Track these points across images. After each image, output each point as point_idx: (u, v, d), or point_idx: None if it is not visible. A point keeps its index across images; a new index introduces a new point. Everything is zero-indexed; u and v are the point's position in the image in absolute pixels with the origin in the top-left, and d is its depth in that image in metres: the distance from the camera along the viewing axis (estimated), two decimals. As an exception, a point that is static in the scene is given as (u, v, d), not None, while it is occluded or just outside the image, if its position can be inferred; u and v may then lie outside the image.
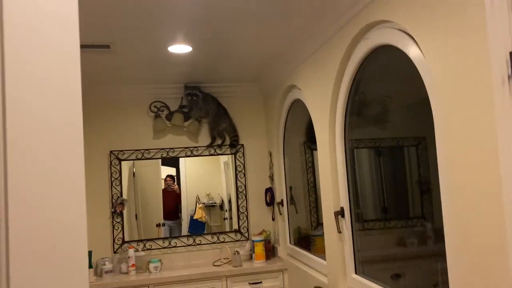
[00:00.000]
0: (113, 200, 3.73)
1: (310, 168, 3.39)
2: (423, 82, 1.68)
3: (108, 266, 3.48)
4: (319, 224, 3.17)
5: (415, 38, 1.67)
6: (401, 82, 2.18)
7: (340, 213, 2.46)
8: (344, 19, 2.20)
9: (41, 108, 0.51)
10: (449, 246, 1.55)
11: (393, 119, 2.41)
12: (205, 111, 3.86)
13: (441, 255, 1.60)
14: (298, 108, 3.26)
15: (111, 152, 3.76)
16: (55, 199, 0.51)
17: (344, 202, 2.46)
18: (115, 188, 3.75)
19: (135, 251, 3.57)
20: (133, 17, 2.27)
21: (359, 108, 2.42)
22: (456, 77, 1.42)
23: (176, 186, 3.96)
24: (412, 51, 1.73)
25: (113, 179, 3.75)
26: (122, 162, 3.79)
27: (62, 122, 0.54)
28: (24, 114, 0.48)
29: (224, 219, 4.08)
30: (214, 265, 3.65)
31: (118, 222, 3.74)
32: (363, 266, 2.40)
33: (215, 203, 4.05)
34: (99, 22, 2.31)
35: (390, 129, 2.43)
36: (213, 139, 3.93)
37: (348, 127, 2.45)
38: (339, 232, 2.48)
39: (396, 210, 2.45)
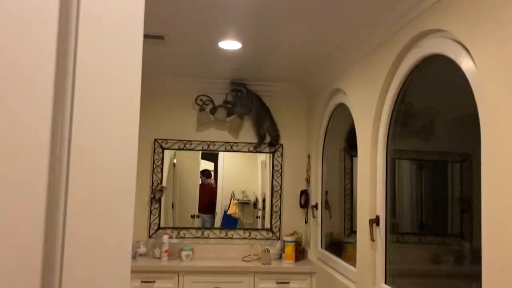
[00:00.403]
0: (153, 187, 3.86)
1: (348, 175, 3.36)
2: (474, 96, 1.64)
3: (142, 249, 3.61)
4: (352, 232, 3.13)
5: (468, 49, 1.62)
6: (450, 95, 2.12)
7: (375, 221, 2.43)
8: (397, 26, 2.17)
9: (104, 92, 0.55)
10: (485, 268, 1.50)
11: (438, 132, 2.35)
12: (248, 108, 3.90)
13: (477, 276, 1.56)
14: (341, 113, 3.23)
15: (155, 140, 3.89)
16: (109, 189, 0.54)
17: (381, 211, 2.43)
18: (156, 175, 3.87)
19: (169, 237, 3.67)
20: (187, 10, 2.34)
21: (404, 118, 2.38)
22: (510, 92, 1.37)
23: (213, 181, 4.04)
24: (465, 63, 1.68)
25: (155, 166, 3.88)
26: (165, 151, 3.91)
27: (120, 114, 0.58)
28: (88, 97, 0.53)
29: (257, 217, 4.12)
30: (244, 260, 3.70)
31: (155, 208, 3.86)
32: (394, 278, 2.36)
33: (249, 200, 4.10)
34: (156, 13, 2.40)
35: (435, 143, 2.37)
36: (261, 138, 3.96)
37: (392, 137, 2.41)
38: (372, 240, 2.45)
39: (433, 225, 2.40)
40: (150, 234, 3.84)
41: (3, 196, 0.44)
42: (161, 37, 2.78)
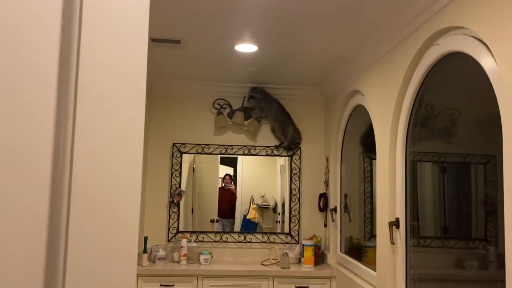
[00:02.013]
0: (172, 191, 3.88)
1: (368, 177, 3.31)
2: (495, 94, 1.59)
3: (161, 253, 3.63)
4: (372, 235, 3.08)
5: (488, 46, 1.58)
6: (471, 94, 2.06)
7: (395, 223, 2.38)
8: (415, 24, 2.13)
9: (108, 91, 0.55)
10: (509, 273, 1.45)
11: (460, 133, 2.29)
12: (265, 112, 3.89)
13: (502, 282, 1.50)
14: (360, 115, 3.19)
15: (173, 144, 3.92)
16: (115, 191, 0.54)
17: (400, 214, 2.37)
18: (174, 179, 3.89)
19: (187, 241, 3.68)
20: (204, 13, 2.35)
21: (424, 119, 2.33)
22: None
23: (233, 186, 4.04)
24: (485, 60, 1.64)
25: (173, 170, 3.90)
26: (183, 155, 3.93)
27: (126, 114, 0.58)
28: (92, 97, 0.52)
29: (276, 222, 4.10)
30: (262, 264, 3.68)
31: (174, 212, 3.88)
32: (415, 282, 2.30)
33: (268, 205, 4.08)
34: (172, 17, 2.42)
35: (457, 144, 2.31)
36: (288, 142, 3.94)
37: (411, 138, 2.36)
38: (392, 243, 2.40)
39: (456, 229, 2.33)
40: (169, 238, 3.86)
41: (6, 194, 0.44)
42: (178, 41, 2.80)
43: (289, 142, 3.96)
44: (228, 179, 4.04)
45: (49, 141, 0.47)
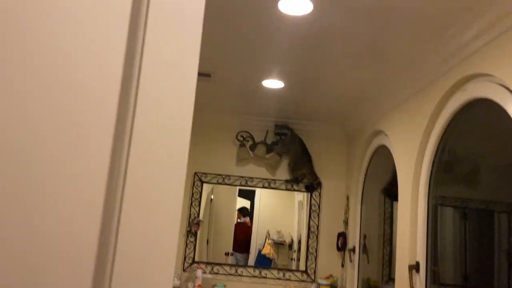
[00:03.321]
0: (190, 219, 3.90)
1: (388, 219, 3.27)
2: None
3: (176, 282, 3.61)
4: (390, 279, 3.01)
5: (516, 95, 1.59)
6: (497, 141, 2.06)
7: (415, 267, 2.34)
8: (441, 69, 2.17)
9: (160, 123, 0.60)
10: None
11: (484, 180, 2.27)
12: (287, 149, 3.93)
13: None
14: (382, 155, 3.19)
15: (195, 173, 3.97)
16: (157, 226, 0.57)
17: (421, 257, 2.33)
18: (194, 208, 3.92)
19: (202, 272, 3.67)
20: (233, 49, 2.45)
21: (448, 164, 2.32)
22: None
23: (249, 219, 4.03)
24: (512, 109, 1.65)
25: (193, 199, 3.94)
26: (204, 185, 3.97)
27: (174, 144, 0.62)
28: (146, 130, 0.57)
29: (292, 259, 4.04)
30: (276, 301, 3.61)
31: (191, 242, 3.88)
32: (433, 331, 2.23)
33: (284, 241, 4.04)
34: (203, 51, 2.52)
35: (481, 191, 2.29)
36: (294, 180, 3.95)
37: (434, 182, 2.35)
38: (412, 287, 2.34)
39: (478, 278, 2.27)
40: (184, 268, 3.85)
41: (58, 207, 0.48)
42: (208, 75, 2.90)
43: (309, 182, 3.94)
44: (243, 213, 4.05)
45: (104, 174, 0.51)
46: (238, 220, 4.05)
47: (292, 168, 3.95)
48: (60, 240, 0.47)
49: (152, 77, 0.58)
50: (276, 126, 3.90)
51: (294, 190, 4.01)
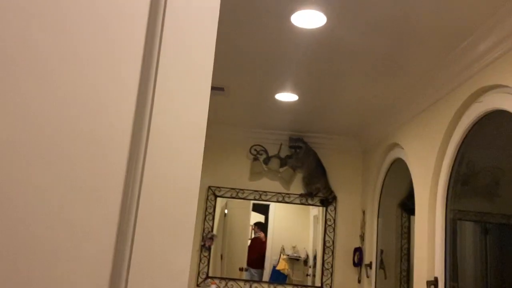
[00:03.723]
0: (204, 234, 3.88)
1: (406, 234, 3.21)
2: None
3: (189, 297, 3.58)
4: (408, 295, 2.94)
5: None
6: (516, 153, 2.02)
7: (433, 283, 2.28)
8: (458, 80, 2.14)
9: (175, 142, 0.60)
10: None
11: (504, 193, 2.21)
12: (302, 162, 3.91)
13: None
14: (399, 169, 3.15)
15: (209, 187, 3.97)
16: (171, 239, 0.57)
17: (439, 273, 2.27)
18: (207, 222, 3.91)
19: (216, 287, 3.63)
20: (247, 63, 2.46)
21: (465, 177, 2.27)
22: None
23: (263, 234, 4.00)
24: (532, 121, 1.61)
25: (207, 213, 3.93)
26: (217, 199, 3.96)
27: (190, 159, 0.62)
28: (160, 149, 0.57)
29: (307, 275, 3.98)
30: (291, 318, 3.55)
31: (205, 256, 3.86)
32: None
33: (299, 257, 3.99)
34: (217, 66, 2.54)
35: (501, 204, 2.23)
36: (309, 194, 3.92)
37: (452, 196, 2.30)
38: (431, 306, 2.28)
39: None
40: (198, 283, 3.82)
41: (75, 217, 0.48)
42: (222, 89, 2.92)
43: (324, 196, 3.90)
44: (258, 227, 4.01)
45: (120, 184, 0.51)
46: (253, 235, 4.02)
47: (307, 182, 3.92)
48: (78, 253, 0.46)
49: (166, 91, 0.58)
50: (291, 139, 3.88)
51: (309, 204, 3.97)
